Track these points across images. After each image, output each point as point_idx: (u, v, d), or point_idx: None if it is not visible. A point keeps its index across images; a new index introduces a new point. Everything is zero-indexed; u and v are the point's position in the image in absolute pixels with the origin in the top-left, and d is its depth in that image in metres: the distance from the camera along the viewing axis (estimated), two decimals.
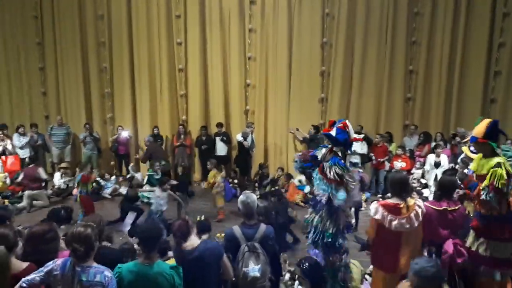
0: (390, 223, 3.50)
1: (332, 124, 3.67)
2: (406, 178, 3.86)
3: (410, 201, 3.63)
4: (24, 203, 8.29)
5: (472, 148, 4.63)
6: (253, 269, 3.38)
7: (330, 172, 3.45)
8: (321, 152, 3.71)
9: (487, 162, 3.60)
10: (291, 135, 10.54)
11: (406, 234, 3.53)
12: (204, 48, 10.57)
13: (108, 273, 2.75)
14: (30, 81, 11.20)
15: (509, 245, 3.61)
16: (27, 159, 9.25)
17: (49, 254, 3.01)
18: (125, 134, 10.35)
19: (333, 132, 3.61)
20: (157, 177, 8.08)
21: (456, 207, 3.80)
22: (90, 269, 2.72)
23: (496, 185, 3.36)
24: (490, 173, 3.49)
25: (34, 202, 8.38)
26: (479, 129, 3.64)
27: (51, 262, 2.78)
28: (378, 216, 3.56)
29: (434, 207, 3.77)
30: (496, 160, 3.54)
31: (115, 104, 11.09)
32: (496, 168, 3.46)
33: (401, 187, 3.67)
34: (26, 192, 8.36)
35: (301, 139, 10.30)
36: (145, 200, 7.85)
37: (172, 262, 3.68)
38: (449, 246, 3.66)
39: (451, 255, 3.64)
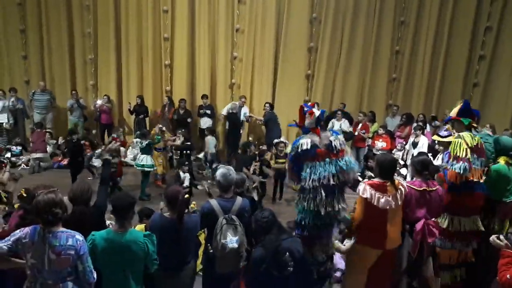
0: (378, 200, 3.61)
1: (303, 110, 3.91)
2: (395, 161, 3.97)
3: (395, 180, 3.76)
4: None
5: (441, 133, 4.83)
6: (231, 240, 3.45)
7: (337, 143, 3.77)
8: (306, 143, 3.82)
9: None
10: (276, 111, 10.48)
11: (391, 211, 3.66)
12: (192, 17, 10.35)
13: (79, 236, 2.76)
14: (10, 44, 10.81)
15: (466, 219, 4.00)
16: (5, 125, 9.18)
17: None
18: (99, 102, 10.19)
19: (318, 112, 3.86)
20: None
21: (434, 188, 3.93)
22: (62, 234, 2.71)
23: (458, 155, 3.77)
24: (451, 145, 3.86)
25: (42, 164, 9.03)
26: (454, 109, 4.04)
27: (18, 231, 2.75)
28: (366, 195, 3.64)
29: (414, 187, 3.87)
30: (462, 133, 3.89)
31: (99, 71, 10.85)
32: (456, 139, 3.84)
33: (391, 170, 3.78)
34: (34, 155, 8.95)
35: (261, 122, 9.93)
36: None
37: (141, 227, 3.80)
38: (420, 225, 3.82)
39: (422, 234, 3.81)
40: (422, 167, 3.97)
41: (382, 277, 3.89)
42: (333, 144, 3.81)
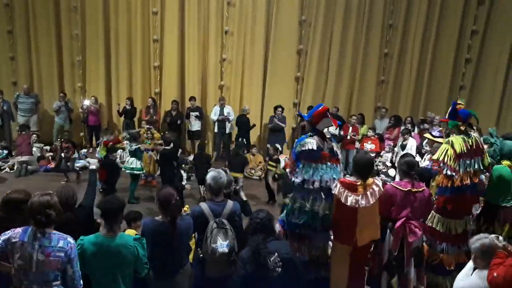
0: (346, 198, 3.66)
1: (327, 112, 3.86)
2: (371, 161, 4.01)
3: (369, 180, 3.78)
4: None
5: (434, 133, 4.87)
6: (222, 245, 3.43)
7: (338, 151, 3.88)
8: (312, 143, 3.75)
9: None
10: (265, 113, 10.50)
11: (362, 210, 3.68)
12: (181, 19, 10.31)
13: (71, 240, 2.75)
14: None
15: (460, 222, 4.04)
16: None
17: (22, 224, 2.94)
18: (86, 103, 10.09)
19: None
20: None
21: (420, 189, 3.98)
22: (54, 235, 2.70)
23: (443, 159, 3.81)
24: (440, 149, 3.89)
25: (29, 167, 8.82)
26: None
27: (9, 231, 2.74)
28: (335, 191, 3.72)
29: (399, 187, 3.94)
30: (451, 138, 3.88)
31: (88, 73, 10.73)
32: (445, 145, 3.86)
33: (365, 169, 3.81)
34: (20, 158, 8.76)
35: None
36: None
37: (132, 232, 3.76)
38: (399, 224, 3.90)
39: (402, 232, 3.89)
40: (408, 167, 4.01)
41: (359, 272, 3.98)
42: (335, 150, 3.89)
